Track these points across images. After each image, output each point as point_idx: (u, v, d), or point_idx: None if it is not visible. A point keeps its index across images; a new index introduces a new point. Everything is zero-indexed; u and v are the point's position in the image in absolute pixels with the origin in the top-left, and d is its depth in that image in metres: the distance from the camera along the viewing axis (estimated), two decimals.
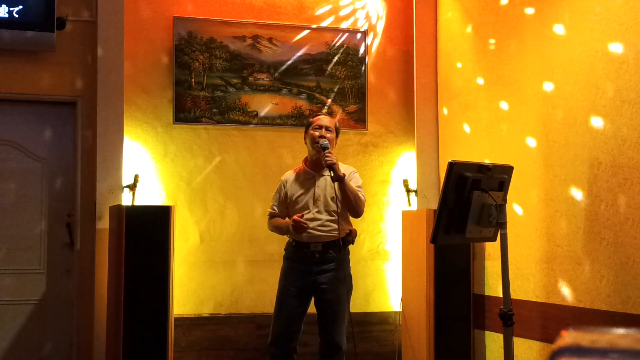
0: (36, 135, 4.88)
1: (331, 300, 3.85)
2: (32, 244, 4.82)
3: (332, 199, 3.85)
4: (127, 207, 4.40)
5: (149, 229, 4.34)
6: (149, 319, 4.29)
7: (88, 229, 4.76)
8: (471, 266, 4.83)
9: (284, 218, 3.98)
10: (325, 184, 3.88)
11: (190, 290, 4.96)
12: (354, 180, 3.89)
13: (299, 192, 3.91)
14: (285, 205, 3.96)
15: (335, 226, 3.83)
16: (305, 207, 3.86)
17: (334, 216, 3.84)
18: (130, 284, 4.24)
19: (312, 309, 3.95)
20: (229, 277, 5.04)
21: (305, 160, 4.01)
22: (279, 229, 4.00)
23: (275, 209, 4.00)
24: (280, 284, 3.96)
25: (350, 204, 3.81)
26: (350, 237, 3.93)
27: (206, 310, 4.99)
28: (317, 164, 3.93)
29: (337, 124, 4.07)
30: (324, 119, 3.98)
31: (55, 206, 4.86)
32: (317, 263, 3.84)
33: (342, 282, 3.86)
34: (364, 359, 5.18)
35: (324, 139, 3.85)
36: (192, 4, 5.10)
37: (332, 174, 3.71)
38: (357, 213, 3.88)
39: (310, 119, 4.02)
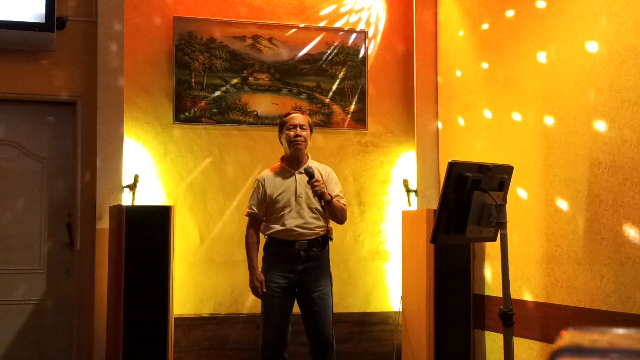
0: (36, 135, 4.88)
1: (318, 299, 3.86)
2: (32, 244, 4.81)
3: (313, 196, 3.86)
4: (127, 207, 4.40)
5: (149, 229, 4.34)
6: (149, 319, 4.29)
7: (88, 229, 4.76)
8: (471, 266, 4.83)
9: (263, 217, 3.95)
10: (305, 181, 3.89)
11: (190, 290, 4.96)
12: (334, 181, 3.96)
13: (280, 191, 3.90)
14: (265, 205, 3.93)
15: (318, 223, 3.87)
16: (287, 205, 3.86)
17: (315, 213, 3.87)
18: (130, 284, 4.24)
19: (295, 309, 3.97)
20: (229, 277, 5.03)
21: (283, 159, 4.03)
22: (247, 255, 3.94)
23: (254, 209, 3.94)
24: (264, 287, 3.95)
25: (337, 218, 3.93)
26: (330, 234, 3.97)
27: (206, 310, 4.99)
28: (295, 161, 3.95)
29: (310, 121, 4.07)
30: (297, 117, 3.99)
31: (55, 206, 4.85)
32: (301, 261, 3.85)
33: (326, 279, 3.89)
34: (364, 359, 5.18)
35: (300, 144, 3.89)
36: (192, 4, 5.10)
37: (322, 203, 3.76)
38: (342, 222, 3.99)
39: (284, 119, 4.04)
